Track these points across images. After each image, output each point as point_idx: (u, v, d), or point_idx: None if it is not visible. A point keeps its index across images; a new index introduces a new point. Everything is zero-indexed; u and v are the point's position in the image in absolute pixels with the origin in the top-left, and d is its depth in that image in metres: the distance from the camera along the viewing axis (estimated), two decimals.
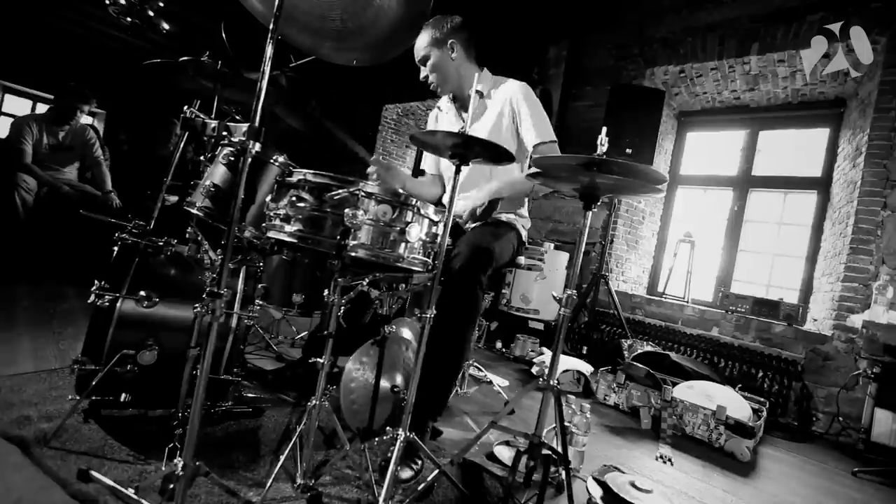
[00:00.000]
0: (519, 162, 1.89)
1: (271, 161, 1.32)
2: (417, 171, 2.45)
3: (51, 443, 1.19)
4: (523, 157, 1.88)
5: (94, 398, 1.30)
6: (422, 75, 1.87)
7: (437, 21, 1.79)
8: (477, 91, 1.84)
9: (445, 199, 1.57)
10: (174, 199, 2.92)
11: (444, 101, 2.01)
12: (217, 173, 1.33)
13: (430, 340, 1.55)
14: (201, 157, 1.41)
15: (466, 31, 1.83)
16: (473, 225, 1.83)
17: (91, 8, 5.04)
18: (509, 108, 1.83)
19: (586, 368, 2.73)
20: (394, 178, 1.80)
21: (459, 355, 1.58)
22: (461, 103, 1.96)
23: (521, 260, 2.04)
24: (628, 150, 3.35)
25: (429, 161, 2.15)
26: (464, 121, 1.90)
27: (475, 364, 2.60)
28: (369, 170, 1.74)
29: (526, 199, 2.01)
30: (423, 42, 1.79)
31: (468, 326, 1.58)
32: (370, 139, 6.04)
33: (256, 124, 0.99)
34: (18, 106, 6.09)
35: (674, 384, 2.42)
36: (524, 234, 1.95)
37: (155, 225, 1.74)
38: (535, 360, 2.89)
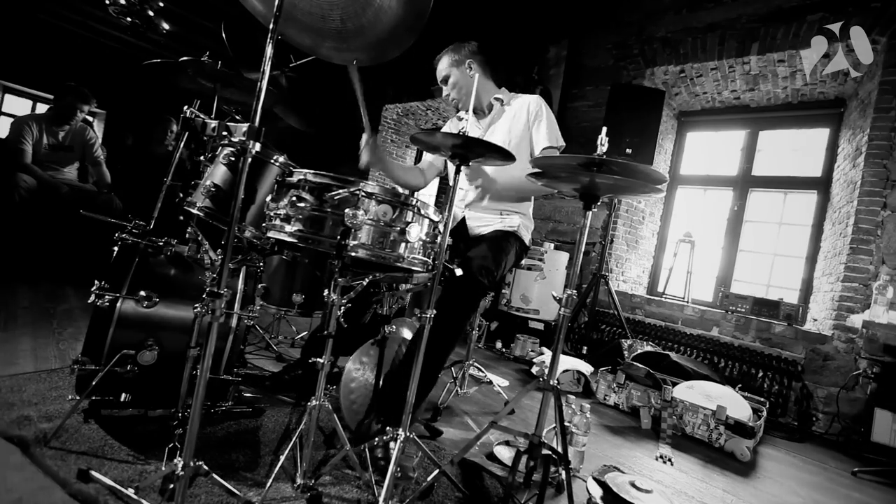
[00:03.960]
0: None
1: (271, 161, 1.32)
2: None
3: (51, 443, 1.19)
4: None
5: (94, 398, 1.30)
6: (444, 93, 2.01)
7: (456, 46, 1.97)
8: (496, 98, 1.99)
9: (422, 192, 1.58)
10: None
11: (464, 112, 2.06)
12: (217, 173, 1.32)
13: (409, 348, 1.56)
14: (201, 157, 1.41)
15: (483, 53, 1.98)
16: (485, 232, 1.88)
17: (91, 8, 5.05)
18: (525, 114, 1.91)
19: (586, 368, 2.73)
20: (377, 159, 1.86)
21: (435, 368, 1.63)
22: (479, 114, 2.06)
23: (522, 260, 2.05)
24: (628, 150, 3.35)
25: (428, 155, 2.17)
26: (481, 127, 1.97)
27: (475, 364, 2.60)
28: (361, 142, 1.83)
29: (532, 198, 2.03)
30: (444, 64, 1.97)
31: (448, 347, 1.63)
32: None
33: (256, 124, 0.99)
34: (18, 106, 6.10)
35: (674, 384, 2.42)
36: (528, 239, 1.98)
37: (155, 225, 1.74)
38: (535, 360, 2.89)
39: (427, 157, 2.17)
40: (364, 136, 1.81)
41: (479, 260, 1.69)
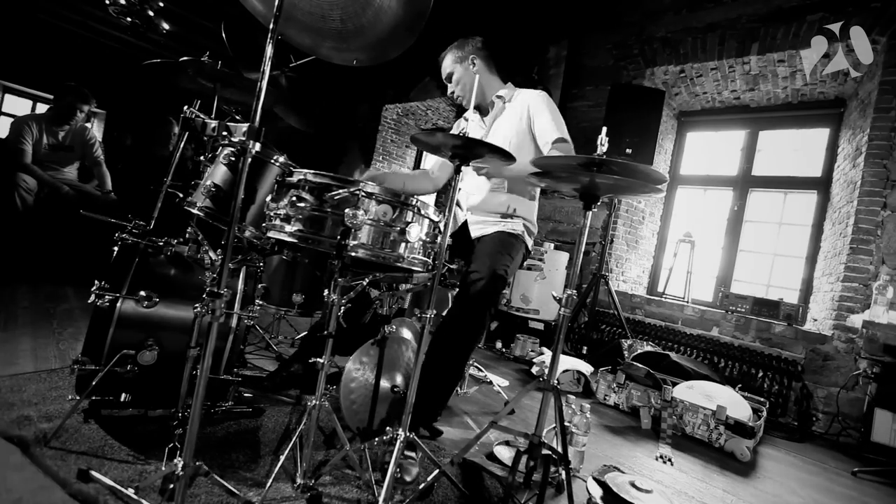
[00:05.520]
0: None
1: (271, 161, 1.32)
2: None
3: (51, 443, 1.19)
4: (538, 153, 1.88)
5: (94, 398, 1.31)
6: (448, 91, 2.03)
7: (460, 42, 1.98)
8: (498, 96, 1.97)
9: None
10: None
11: (470, 112, 2.06)
12: (217, 173, 1.32)
13: (431, 350, 1.57)
14: (201, 157, 1.41)
15: (487, 49, 1.99)
16: (487, 233, 1.85)
17: (91, 8, 5.04)
18: (526, 110, 1.90)
19: (586, 368, 2.73)
20: (391, 183, 1.92)
21: (460, 368, 1.66)
22: (484, 111, 2.06)
23: None
24: (628, 150, 3.35)
25: (431, 163, 2.18)
26: (485, 126, 1.97)
27: (475, 364, 2.60)
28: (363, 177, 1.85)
29: (536, 202, 2.00)
30: (448, 61, 1.98)
31: (473, 345, 1.67)
32: (370, 140, 6.04)
33: (256, 124, 0.99)
34: (18, 106, 6.10)
35: (674, 384, 2.42)
36: (531, 244, 1.97)
37: (155, 225, 1.74)
38: (535, 360, 2.89)
39: (437, 157, 2.15)
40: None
41: (491, 259, 1.69)
